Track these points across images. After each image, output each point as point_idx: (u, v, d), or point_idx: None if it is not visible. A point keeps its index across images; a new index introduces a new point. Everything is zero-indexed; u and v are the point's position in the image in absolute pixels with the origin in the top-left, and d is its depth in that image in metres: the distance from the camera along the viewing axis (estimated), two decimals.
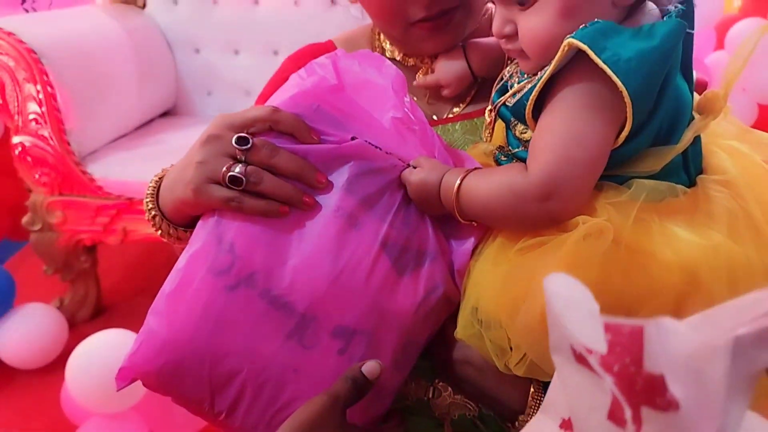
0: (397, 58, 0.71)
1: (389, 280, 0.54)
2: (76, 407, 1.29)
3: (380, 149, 0.56)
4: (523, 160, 0.53)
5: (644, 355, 0.23)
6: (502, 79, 0.59)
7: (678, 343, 0.22)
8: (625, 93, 0.46)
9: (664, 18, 0.50)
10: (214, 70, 2.07)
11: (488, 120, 0.61)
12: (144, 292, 1.72)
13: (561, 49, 0.48)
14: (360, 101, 0.57)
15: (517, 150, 0.56)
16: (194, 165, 0.55)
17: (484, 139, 0.63)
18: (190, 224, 0.60)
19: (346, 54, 0.60)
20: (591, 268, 0.47)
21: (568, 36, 0.48)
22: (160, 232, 0.62)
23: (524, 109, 0.51)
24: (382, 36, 0.73)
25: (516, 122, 0.56)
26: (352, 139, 0.55)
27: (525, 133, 0.55)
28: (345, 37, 0.77)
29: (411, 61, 0.70)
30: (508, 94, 0.56)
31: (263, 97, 0.72)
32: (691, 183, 0.53)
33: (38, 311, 1.66)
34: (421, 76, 0.69)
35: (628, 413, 0.24)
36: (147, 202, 0.61)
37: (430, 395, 0.63)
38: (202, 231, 0.56)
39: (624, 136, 0.49)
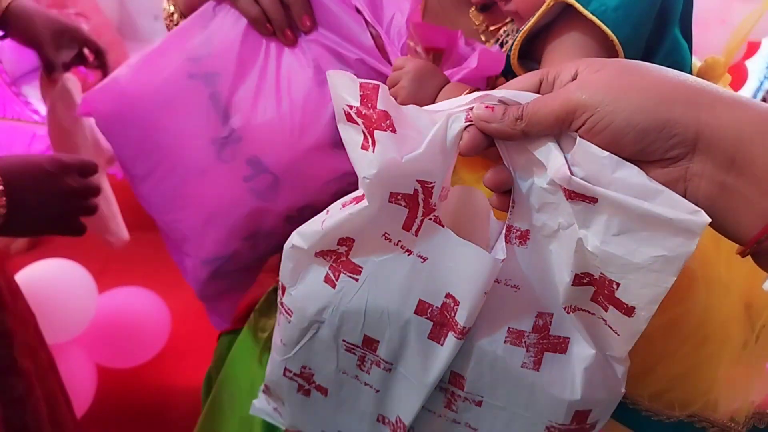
0: None
1: (323, 146, 0.57)
2: None
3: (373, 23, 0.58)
4: None
5: (378, 101, 0.37)
6: (498, 39, 0.63)
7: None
8: (616, 42, 0.47)
9: None
10: None
11: None
12: None
13: (546, 5, 0.50)
14: None
15: None
16: None
17: None
18: None
19: None
20: None
21: None
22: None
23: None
24: None
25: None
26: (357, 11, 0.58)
27: None
28: None
29: None
30: (503, 49, 0.61)
31: None
32: None
33: None
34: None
35: (369, 139, 0.37)
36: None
37: None
38: (196, 15, 0.61)
39: None
